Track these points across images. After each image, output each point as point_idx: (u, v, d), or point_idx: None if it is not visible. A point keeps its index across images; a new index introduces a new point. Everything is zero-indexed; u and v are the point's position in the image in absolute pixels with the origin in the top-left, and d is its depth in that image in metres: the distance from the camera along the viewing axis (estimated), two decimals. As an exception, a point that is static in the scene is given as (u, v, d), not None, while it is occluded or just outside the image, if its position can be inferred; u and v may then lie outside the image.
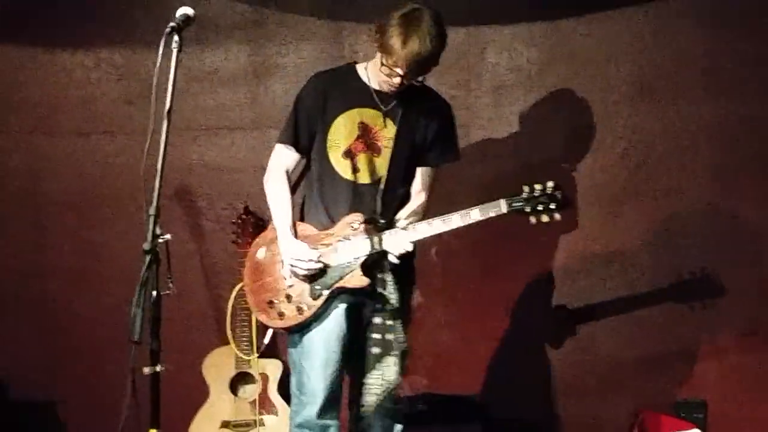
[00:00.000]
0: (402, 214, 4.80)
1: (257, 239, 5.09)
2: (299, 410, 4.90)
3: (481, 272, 6.34)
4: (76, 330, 6.59)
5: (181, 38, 3.99)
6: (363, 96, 4.76)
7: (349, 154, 4.74)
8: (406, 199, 4.86)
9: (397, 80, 4.58)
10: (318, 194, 4.86)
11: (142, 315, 3.79)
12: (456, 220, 4.53)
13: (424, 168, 4.88)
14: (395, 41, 4.47)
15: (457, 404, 5.81)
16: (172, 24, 3.99)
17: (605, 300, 6.30)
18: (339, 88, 4.79)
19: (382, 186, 4.72)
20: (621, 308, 6.30)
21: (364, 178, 4.76)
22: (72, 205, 6.54)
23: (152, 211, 3.89)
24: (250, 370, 6.01)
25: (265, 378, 6.00)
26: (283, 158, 4.95)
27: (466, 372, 6.35)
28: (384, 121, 4.73)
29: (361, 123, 4.74)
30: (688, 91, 6.18)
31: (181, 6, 4.09)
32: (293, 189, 5.00)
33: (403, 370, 4.75)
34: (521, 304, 6.32)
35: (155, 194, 3.90)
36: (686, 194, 6.22)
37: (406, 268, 4.82)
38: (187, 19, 4.06)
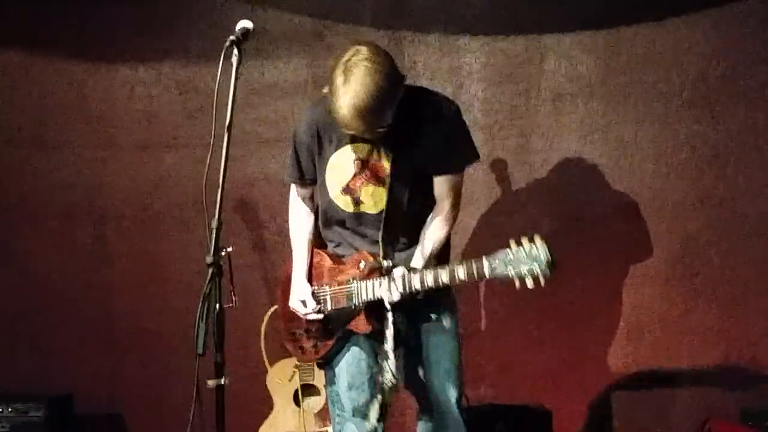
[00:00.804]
0: (416, 255, 4.57)
1: (288, 265, 5.01)
2: (343, 429, 4.79)
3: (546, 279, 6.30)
4: (139, 343, 6.64)
5: (240, 51, 4.00)
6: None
7: (348, 190, 4.60)
8: (421, 216, 4.61)
9: (366, 136, 4.39)
10: (324, 220, 4.78)
11: (205, 328, 3.80)
12: (444, 278, 4.29)
13: (440, 177, 4.59)
14: (333, 105, 4.21)
15: (521, 414, 5.77)
16: (231, 38, 4.00)
17: (670, 307, 6.24)
18: (331, 125, 4.49)
19: (383, 217, 4.55)
20: (686, 315, 6.24)
21: (368, 208, 4.60)
22: (134, 218, 6.60)
23: (215, 224, 3.90)
24: (313, 382, 6.01)
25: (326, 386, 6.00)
26: (298, 193, 4.89)
27: (530, 381, 6.32)
28: (379, 153, 4.52)
29: (358, 159, 4.55)
30: (751, 97, 6.11)
31: (240, 20, 4.10)
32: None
33: (384, 414, 4.55)
34: (586, 312, 6.27)
35: (217, 207, 3.91)
36: (751, 201, 6.15)
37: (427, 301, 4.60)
38: (246, 32, 4.07)
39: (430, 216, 4.58)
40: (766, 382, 6.18)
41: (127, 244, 6.63)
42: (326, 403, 5.85)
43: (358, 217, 4.62)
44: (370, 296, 4.48)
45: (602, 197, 6.19)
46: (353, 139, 4.49)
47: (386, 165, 4.51)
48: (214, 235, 3.89)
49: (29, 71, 6.59)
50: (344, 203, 4.62)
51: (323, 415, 5.98)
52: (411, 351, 4.69)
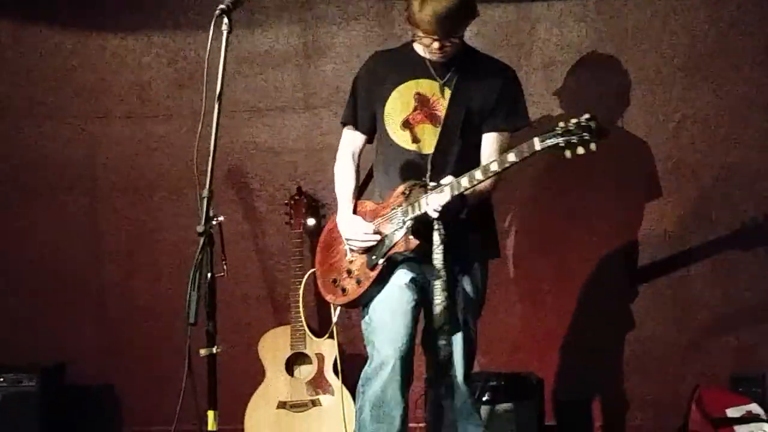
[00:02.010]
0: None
1: (328, 223, 5.05)
2: (370, 384, 4.68)
3: (538, 249, 6.32)
4: (132, 313, 6.65)
5: (230, 20, 3.98)
6: (418, 68, 4.68)
7: (408, 125, 4.67)
8: (469, 165, 4.55)
9: (435, 45, 4.51)
10: (382, 168, 4.81)
11: (197, 297, 3.81)
12: (494, 167, 4.31)
13: (489, 134, 4.70)
14: (414, 8, 4.42)
15: (514, 382, 5.78)
16: (221, 6, 3.98)
17: (660, 277, 6.25)
18: (395, 64, 4.76)
19: (431, 153, 4.61)
20: (677, 284, 6.26)
21: (426, 147, 4.65)
22: (126, 189, 6.60)
23: (205, 193, 3.89)
24: (305, 351, 6.03)
25: (320, 358, 6.01)
26: (348, 140, 4.92)
27: (523, 350, 6.34)
28: (442, 91, 4.64)
29: (418, 94, 4.67)
30: (743, 65, 6.11)
31: (230, -12, 4.09)
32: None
33: (447, 340, 4.56)
34: (578, 283, 6.29)
35: (208, 177, 3.90)
36: (741, 169, 6.15)
37: (466, 237, 4.65)
38: (236, 1, 4.06)
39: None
40: (755, 348, 6.21)
41: (119, 214, 6.63)
42: (318, 372, 5.90)
43: (417, 158, 4.66)
44: (417, 212, 4.47)
45: (594, 165, 6.18)
46: (417, 75, 4.65)
47: (445, 104, 4.62)
48: (204, 205, 3.89)
49: (18, 42, 6.57)
50: (403, 140, 4.69)
51: (315, 384, 6.00)
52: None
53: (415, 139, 4.67)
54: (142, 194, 6.59)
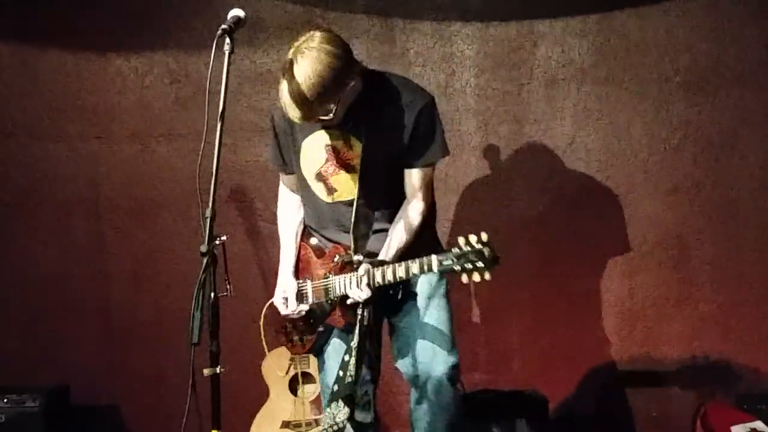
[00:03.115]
0: (383, 249, 4.53)
1: None
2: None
3: (540, 266, 6.32)
4: (136, 333, 6.65)
5: (232, 40, 4.00)
6: None
7: (321, 177, 4.59)
8: (394, 205, 4.58)
9: (313, 121, 4.36)
10: (308, 210, 4.80)
11: (200, 317, 3.81)
12: (401, 274, 4.28)
13: (410, 171, 4.53)
14: (279, 90, 4.27)
15: (516, 399, 5.77)
16: (223, 26, 4.00)
17: (664, 293, 6.25)
18: None
19: (354, 207, 4.52)
20: (681, 301, 6.25)
21: (342, 196, 4.58)
22: (129, 209, 6.60)
23: (208, 213, 3.90)
24: (309, 370, 6.02)
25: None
26: (284, 182, 4.92)
27: (525, 367, 6.34)
28: (350, 141, 4.49)
29: (327, 146, 4.53)
30: (745, 82, 6.11)
31: (232, 8, 4.10)
32: None
33: (352, 411, 4.50)
34: (581, 298, 6.29)
35: (211, 196, 3.91)
36: (744, 186, 6.15)
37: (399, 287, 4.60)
38: (238, 21, 4.07)
39: (400, 210, 4.56)
40: (761, 366, 6.20)
41: (123, 235, 6.63)
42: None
43: (335, 207, 4.61)
44: (343, 291, 4.48)
45: (595, 183, 6.19)
46: (324, 126, 4.48)
47: (357, 152, 4.48)
48: (208, 225, 3.89)
49: (22, 63, 6.58)
50: (320, 190, 4.63)
51: (319, 403, 5.99)
52: (396, 329, 4.71)
53: (331, 190, 4.60)
54: (145, 214, 6.60)
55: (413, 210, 4.53)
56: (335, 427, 4.47)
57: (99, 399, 6.65)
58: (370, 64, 5.41)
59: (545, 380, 6.13)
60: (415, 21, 6.19)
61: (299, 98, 4.15)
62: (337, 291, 4.52)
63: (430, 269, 4.17)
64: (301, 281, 4.75)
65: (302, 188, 4.74)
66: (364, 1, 6.26)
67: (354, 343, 4.43)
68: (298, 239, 4.87)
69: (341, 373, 4.47)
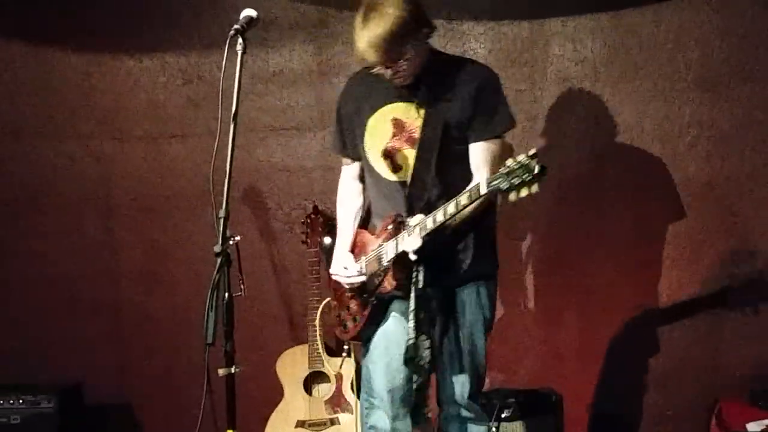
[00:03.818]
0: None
1: None
2: (370, 413, 4.84)
3: (553, 263, 6.30)
4: (149, 333, 6.67)
5: (245, 40, 4.01)
6: (391, 91, 4.56)
7: (388, 154, 4.60)
8: (450, 184, 4.51)
9: (388, 72, 4.41)
10: (373, 196, 4.80)
11: (215, 317, 3.81)
12: (451, 209, 4.22)
13: (475, 144, 4.53)
14: (354, 41, 4.37)
15: (530, 398, 5.77)
16: (236, 26, 4.01)
17: (679, 289, 6.24)
18: (370, 89, 4.64)
19: (410, 176, 4.53)
20: (694, 298, 6.24)
21: (407, 175, 4.56)
22: (142, 208, 6.61)
23: (222, 213, 3.91)
24: (323, 369, 6.02)
25: (339, 376, 5.99)
26: (345, 169, 4.94)
27: (540, 365, 6.33)
28: (418, 112, 4.52)
29: (394, 119, 4.58)
30: (757, 78, 6.09)
31: (244, 8, 4.11)
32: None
33: (420, 374, 4.53)
34: (594, 295, 6.27)
35: (224, 196, 3.92)
36: (758, 182, 6.13)
37: (453, 260, 4.65)
38: (250, 21, 4.08)
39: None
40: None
41: (135, 234, 6.65)
42: (336, 391, 5.89)
43: (400, 188, 4.60)
44: (394, 252, 4.45)
45: (608, 181, 6.18)
46: (390, 100, 4.55)
47: (420, 125, 4.50)
48: (221, 225, 3.90)
49: (34, 64, 6.59)
50: (384, 169, 4.63)
51: (333, 402, 5.99)
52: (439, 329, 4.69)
53: (396, 168, 4.60)
54: (158, 214, 6.61)
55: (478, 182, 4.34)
56: (420, 360, 4.42)
57: (113, 398, 6.67)
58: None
59: (560, 378, 6.13)
60: (427, 19, 6.19)
61: (376, 42, 4.26)
62: (390, 255, 4.48)
63: (478, 193, 4.09)
64: (356, 260, 4.74)
65: (368, 172, 4.76)
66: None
67: (413, 302, 4.39)
68: (356, 222, 4.89)
69: (410, 341, 4.40)
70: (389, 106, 4.58)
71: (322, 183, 6.36)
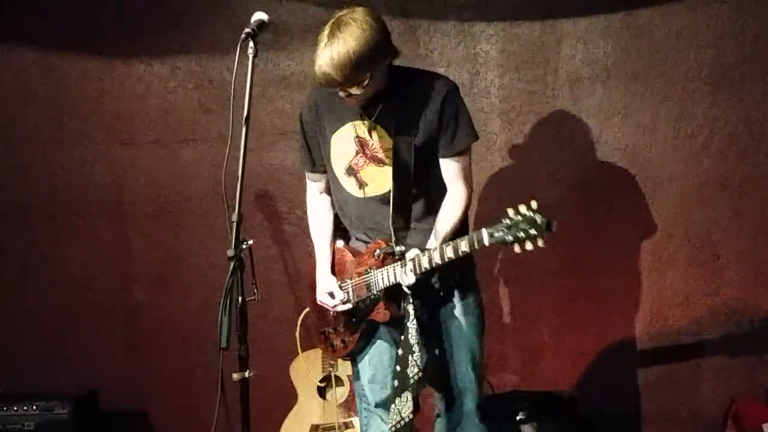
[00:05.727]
0: (430, 239, 4.50)
1: (310, 261, 5.01)
2: (369, 422, 4.85)
3: (567, 265, 6.28)
4: (163, 338, 6.67)
5: (256, 44, 4.00)
6: (352, 109, 4.48)
7: (352, 170, 4.57)
8: (430, 197, 4.56)
9: (341, 94, 4.33)
10: (341, 210, 4.78)
11: (228, 322, 3.81)
12: (449, 253, 4.21)
13: (444, 161, 4.51)
14: (315, 57, 4.26)
15: (546, 399, 5.76)
16: (247, 30, 4.00)
17: (693, 289, 6.22)
18: (332, 105, 4.55)
19: (390, 199, 4.50)
20: (709, 298, 6.22)
21: (372, 191, 4.56)
22: (154, 213, 6.61)
23: (235, 217, 3.90)
24: (337, 373, 6.01)
25: (352, 380, 5.99)
26: (312, 184, 4.88)
27: (555, 367, 6.32)
28: (377, 131, 4.48)
29: (357, 138, 4.53)
30: (768, 76, 6.09)
31: (255, 12, 4.10)
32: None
33: (417, 406, 4.48)
34: (608, 296, 6.26)
35: (237, 200, 3.91)
36: (770, 180, 6.13)
37: (447, 285, 4.63)
38: (261, 24, 4.07)
39: (444, 201, 4.53)
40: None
41: (148, 239, 6.65)
42: (350, 394, 5.89)
43: (367, 204, 4.59)
44: (386, 282, 4.44)
45: (622, 181, 6.17)
46: (352, 118, 4.49)
47: (385, 144, 4.47)
48: (234, 229, 3.89)
49: (46, 69, 6.60)
50: (350, 186, 4.60)
51: (347, 406, 5.99)
52: (430, 340, 4.63)
53: (362, 184, 4.58)
54: (170, 219, 6.61)
55: (456, 197, 4.51)
56: (402, 423, 4.47)
57: (127, 405, 6.66)
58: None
59: (575, 379, 6.12)
60: (439, 21, 6.18)
61: (339, 62, 4.15)
62: (380, 284, 4.48)
63: (480, 243, 4.06)
64: (339, 282, 4.71)
65: (334, 187, 4.73)
66: (386, 2, 6.24)
67: (414, 338, 4.39)
68: (331, 239, 4.85)
69: (398, 368, 4.46)
70: (350, 123, 4.53)
71: (334, 186, 6.36)
